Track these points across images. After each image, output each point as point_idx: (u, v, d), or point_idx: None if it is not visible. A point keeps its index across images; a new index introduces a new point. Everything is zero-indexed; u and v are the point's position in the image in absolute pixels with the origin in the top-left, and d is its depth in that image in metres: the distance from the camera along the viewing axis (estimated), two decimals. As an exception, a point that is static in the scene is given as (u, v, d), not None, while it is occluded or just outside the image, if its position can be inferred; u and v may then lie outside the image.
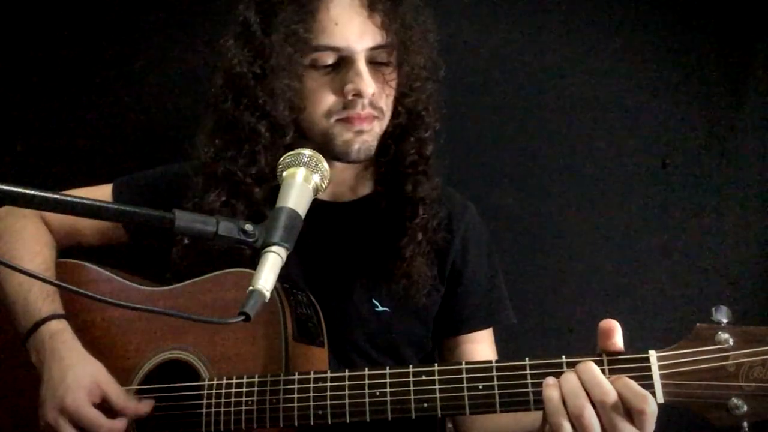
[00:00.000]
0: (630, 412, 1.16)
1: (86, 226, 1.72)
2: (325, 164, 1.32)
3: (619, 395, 1.17)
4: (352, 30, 1.52)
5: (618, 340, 1.24)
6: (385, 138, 1.62)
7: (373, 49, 1.54)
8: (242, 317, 1.11)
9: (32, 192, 1.07)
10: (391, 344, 1.64)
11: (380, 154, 1.64)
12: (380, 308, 1.62)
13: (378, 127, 1.59)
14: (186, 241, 1.57)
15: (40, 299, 1.54)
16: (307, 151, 1.31)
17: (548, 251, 2.23)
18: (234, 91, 1.57)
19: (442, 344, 1.74)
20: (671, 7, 2.20)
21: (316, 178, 1.29)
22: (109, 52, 2.26)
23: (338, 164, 1.62)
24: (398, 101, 1.61)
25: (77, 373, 1.45)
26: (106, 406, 1.45)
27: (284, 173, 1.29)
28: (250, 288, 1.13)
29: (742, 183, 2.17)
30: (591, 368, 1.20)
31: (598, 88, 2.22)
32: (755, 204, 2.17)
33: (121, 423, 1.45)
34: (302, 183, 1.27)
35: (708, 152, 2.19)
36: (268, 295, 1.13)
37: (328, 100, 1.55)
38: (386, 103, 1.59)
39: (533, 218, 2.23)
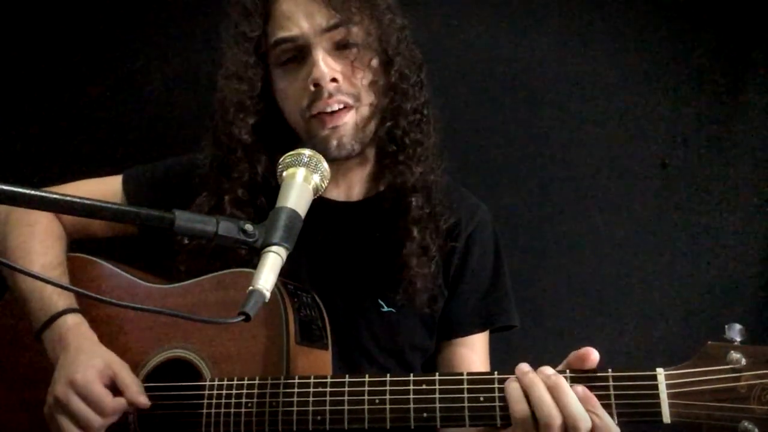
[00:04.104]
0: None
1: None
2: (325, 164, 1.32)
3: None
4: (301, 17, 1.52)
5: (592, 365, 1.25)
6: (376, 126, 1.60)
7: (328, 29, 1.52)
8: (242, 317, 1.11)
9: (32, 192, 1.08)
10: (394, 345, 1.63)
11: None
12: (386, 309, 1.61)
13: (356, 117, 1.55)
14: (185, 241, 1.57)
15: (56, 293, 1.55)
16: (307, 151, 1.31)
17: (547, 252, 2.23)
18: (217, 101, 1.62)
19: (438, 347, 1.71)
20: (671, 7, 2.20)
21: (316, 178, 1.29)
22: (109, 51, 2.26)
23: (347, 163, 1.62)
24: (376, 83, 1.58)
25: (91, 356, 1.47)
26: (115, 390, 1.46)
27: (284, 173, 1.30)
28: (250, 288, 1.13)
29: (742, 183, 2.17)
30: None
31: (598, 89, 2.22)
32: (755, 204, 2.17)
33: (125, 405, 1.45)
34: (302, 183, 1.27)
35: (708, 152, 2.19)
36: (268, 295, 1.13)
37: (297, 96, 1.55)
38: (359, 87, 1.55)
39: (532, 219, 2.23)
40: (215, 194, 1.61)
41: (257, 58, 1.57)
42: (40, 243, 1.65)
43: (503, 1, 2.24)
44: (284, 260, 1.18)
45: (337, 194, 1.67)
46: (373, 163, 1.69)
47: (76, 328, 1.53)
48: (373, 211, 1.65)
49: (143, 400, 1.46)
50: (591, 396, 1.21)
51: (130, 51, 2.26)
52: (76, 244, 1.74)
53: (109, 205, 1.17)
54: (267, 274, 1.15)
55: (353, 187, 1.69)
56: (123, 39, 2.26)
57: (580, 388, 1.21)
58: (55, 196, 1.09)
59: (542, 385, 1.21)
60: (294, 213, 1.23)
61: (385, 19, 1.58)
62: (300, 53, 1.54)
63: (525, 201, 2.23)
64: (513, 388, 1.24)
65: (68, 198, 1.10)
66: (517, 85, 2.24)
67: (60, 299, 1.55)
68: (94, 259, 1.69)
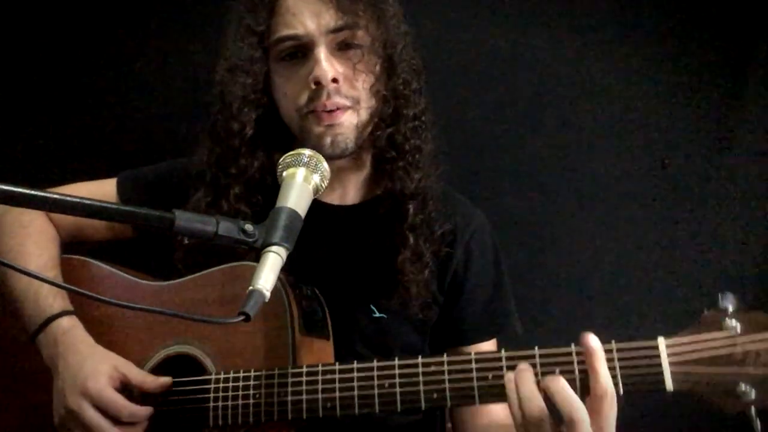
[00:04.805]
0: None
1: (92, 221, 1.68)
2: (325, 164, 1.31)
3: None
4: (307, 15, 1.51)
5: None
6: (373, 130, 1.59)
7: (334, 31, 1.51)
8: (242, 317, 1.11)
9: (32, 192, 1.07)
10: (386, 350, 1.61)
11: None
12: (377, 314, 1.60)
13: (353, 119, 1.54)
14: (186, 241, 1.57)
15: (51, 296, 1.54)
16: (307, 151, 1.31)
17: (547, 252, 2.23)
18: (216, 95, 1.61)
19: (445, 354, 1.71)
20: (671, 6, 2.20)
21: (316, 178, 1.29)
22: (109, 52, 2.26)
23: (345, 165, 1.62)
24: (377, 88, 1.56)
25: (95, 361, 1.46)
26: (127, 392, 1.46)
27: (284, 173, 1.29)
28: (250, 288, 1.13)
29: (742, 183, 2.17)
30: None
31: (598, 88, 2.23)
32: (755, 204, 2.17)
33: (144, 409, 1.45)
34: (302, 183, 1.27)
35: (708, 152, 2.20)
36: (268, 295, 1.13)
37: (295, 92, 1.54)
38: (359, 90, 1.54)
39: (533, 219, 2.23)
40: (212, 190, 1.60)
41: (261, 52, 1.57)
42: (35, 244, 1.64)
43: (503, 1, 2.25)
44: (284, 260, 1.18)
45: (332, 198, 1.66)
46: (369, 168, 1.68)
47: (71, 331, 1.52)
48: (369, 215, 1.64)
49: (164, 380, 1.46)
50: (598, 350, 1.22)
51: (130, 52, 2.26)
52: (69, 248, 1.72)
53: (110, 206, 1.17)
54: (267, 274, 1.15)
55: (348, 191, 1.68)
56: (123, 40, 2.26)
57: (594, 342, 1.22)
58: (55, 196, 1.09)
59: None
60: (294, 213, 1.23)
61: (391, 25, 1.57)
62: (302, 50, 1.54)
63: (525, 201, 2.23)
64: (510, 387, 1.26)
65: (69, 198, 1.10)
66: (516, 86, 2.24)
67: (55, 302, 1.54)
68: (87, 259, 1.68)
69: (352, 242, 1.65)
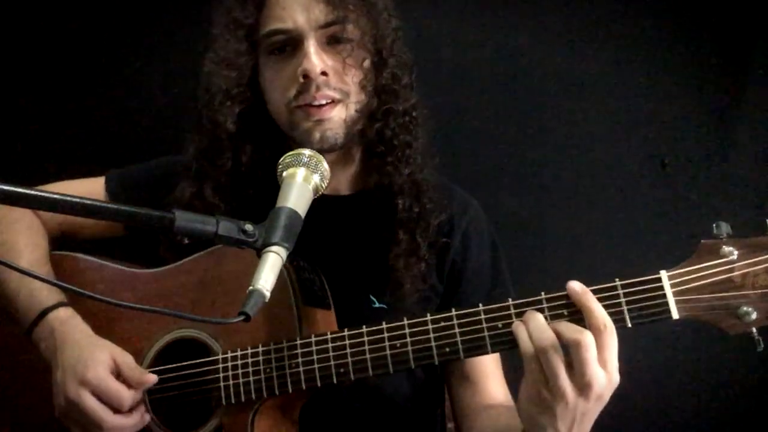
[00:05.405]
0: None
1: (82, 219, 1.70)
2: (326, 164, 1.32)
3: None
4: (297, 9, 1.51)
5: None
6: (363, 125, 1.59)
7: (324, 26, 1.51)
8: (242, 317, 1.11)
9: (32, 192, 1.07)
10: None
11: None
12: (377, 305, 1.60)
13: (342, 113, 1.54)
14: (186, 241, 1.57)
15: (45, 288, 1.53)
16: (307, 151, 1.31)
17: (547, 252, 2.23)
18: (202, 89, 1.61)
19: (453, 309, 1.71)
20: (671, 6, 2.20)
21: (316, 178, 1.29)
22: (108, 51, 2.26)
23: (334, 160, 1.61)
24: (366, 82, 1.56)
25: (93, 351, 1.46)
26: (124, 380, 1.45)
27: (284, 173, 1.30)
28: (251, 288, 1.13)
29: (742, 183, 2.17)
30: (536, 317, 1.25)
31: (597, 88, 2.23)
32: (755, 204, 2.17)
33: (140, 397, 1.45)
34: (302, 183, 1.27)
35: (708, 152, 2.19)
36: (268, 295, 1.13)
37: (284, 86, 1.54)
38: (349, 84, 1.54)
39: (532, 219, 2.23)
40: (197, 181, 1.60)
41: (249, 46, 1.56)
42: (27, 239, 1.63)
43: (503, 1, 2.24)
44: (284, 260, 1.18)
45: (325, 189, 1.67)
46: (358, 163, 1.68)
47: (69, 321, 1.51)
48: (363, 205, 1.64)
49: (150, 377, 1.45)
50: (586, 290, 1.25)
51: (129, 51, 2.26)
52: (54, 244, 1.71)
53: (108, 205, 1.17)
54: (267, 274, 1.15)
55: (340, 185, 1.68)
56: (122, 39, 2.26)
57: (578, 285, 1.25)
58: (55, 196, 1.09)
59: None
60: (294, 213, 1.23)
61: (381, 20, 1.57)
62: (291, 44, 1.53)
63: (524, 201, 2.23)
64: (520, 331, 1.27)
65: (68, 198, 1.10)
66: (516, 85, 2.24)
67: (51, 294, 1.53)
68: (77, 254, 1.67)
69: (346, 233, 1.65)
